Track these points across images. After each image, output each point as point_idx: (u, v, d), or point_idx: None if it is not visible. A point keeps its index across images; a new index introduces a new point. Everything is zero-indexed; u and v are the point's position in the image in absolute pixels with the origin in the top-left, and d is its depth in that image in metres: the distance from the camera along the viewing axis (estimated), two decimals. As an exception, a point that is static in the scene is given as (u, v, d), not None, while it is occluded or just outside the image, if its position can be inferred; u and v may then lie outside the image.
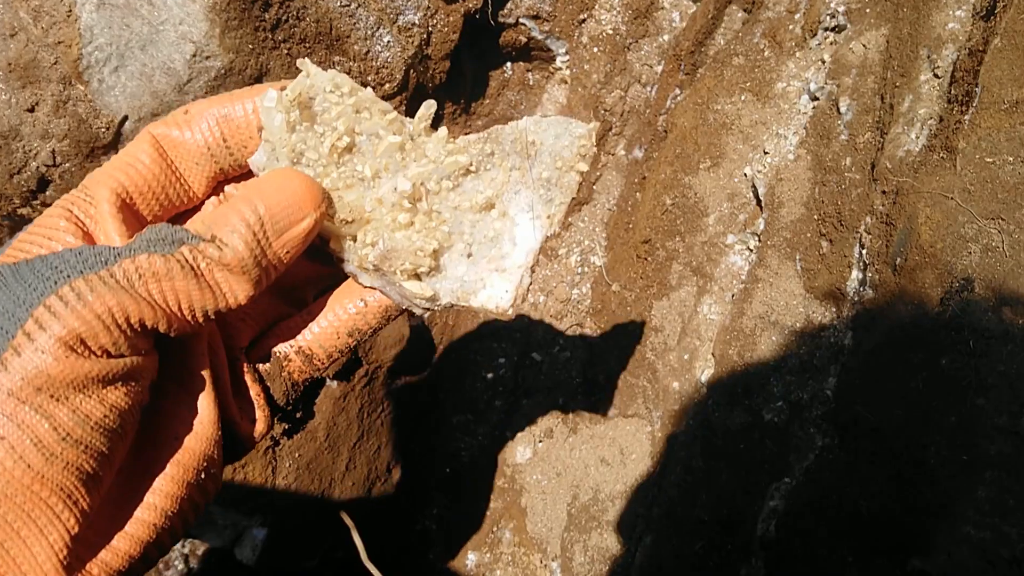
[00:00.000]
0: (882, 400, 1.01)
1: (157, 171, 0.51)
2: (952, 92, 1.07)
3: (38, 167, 1.17)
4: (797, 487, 1.11)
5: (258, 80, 1.26)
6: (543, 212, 0.56)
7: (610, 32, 1.57)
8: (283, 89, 0.51)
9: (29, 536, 0.40)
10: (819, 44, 1.36)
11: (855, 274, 1.15)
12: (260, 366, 0.57)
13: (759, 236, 1.33)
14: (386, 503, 1.58)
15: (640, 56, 1.59)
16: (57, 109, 1.16)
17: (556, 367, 1.67)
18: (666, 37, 1.57)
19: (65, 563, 0.42)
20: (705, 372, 1.31)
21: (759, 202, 1.35)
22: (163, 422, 0.48)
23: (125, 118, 1.18)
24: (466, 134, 0.56)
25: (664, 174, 1.47)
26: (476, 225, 0.56)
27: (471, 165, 0.55)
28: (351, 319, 0.58)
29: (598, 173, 1.70)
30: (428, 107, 0.53)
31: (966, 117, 1.02)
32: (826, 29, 1.34)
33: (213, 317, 0.47)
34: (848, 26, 1.31)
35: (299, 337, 0.58)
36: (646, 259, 1.49)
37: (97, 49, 1.15)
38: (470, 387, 1.76)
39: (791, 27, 1.38)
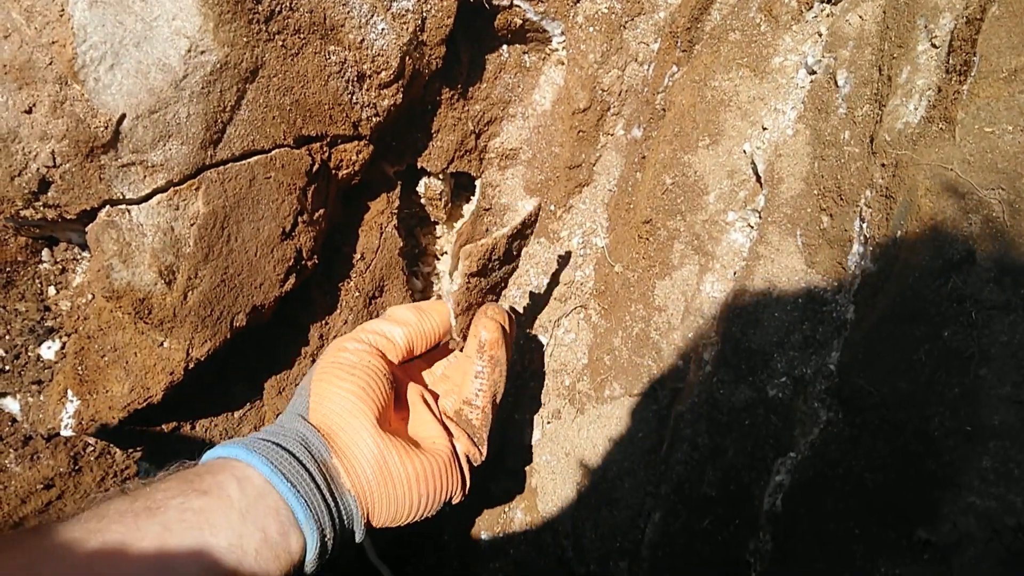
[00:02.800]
0: (885, 373, 1.02)
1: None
2: (950, 62, 1.07)
3: (38, 168, 1.18)
4: (803, 461, 1.12)
5: (254, 74, 1.26)
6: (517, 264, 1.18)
7: (605, 11, 1.56)
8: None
9: (359, 402, 0.95)
10: (815, 17, 1.35)
11: (856, 248, 1.15)
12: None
13: (759, 213, 1.33)
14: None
15: (636, 34, 1.58)
16: (55, 110, 1.16)
17: (561, 349, 1.68)
18: (662, 14, 1.56)
19: (377, 417, 0.95)
20: (709, 350, 1.32)
21: (759, 178, 1.35)
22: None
23: (123, 116, 1.18)
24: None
25: (663, 153, 1.47)
26: (498, 286, 1.19)
27: (485, 279, 1.19)
28: (472, 370, 1.14)
29: (598, 154, 1.70)
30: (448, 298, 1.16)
31: (964, 87, 1.01)
32: (822, 1, 1.33)
33: (406, 352, 1.12)
34: (844, -3, 1.30)
35: (458, 395, 1.16)
36: (647, 239, 1.50)
37: (91, 48, 1.15)
38: (477, 371, 1.77)
39: (787, 0, 1.36)
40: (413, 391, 1.08)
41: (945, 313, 0.95)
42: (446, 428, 1.07)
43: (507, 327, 1.16)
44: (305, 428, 0.92)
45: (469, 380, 1.11)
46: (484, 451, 1.11)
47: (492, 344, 1.10)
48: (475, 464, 1.10)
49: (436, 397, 1.15)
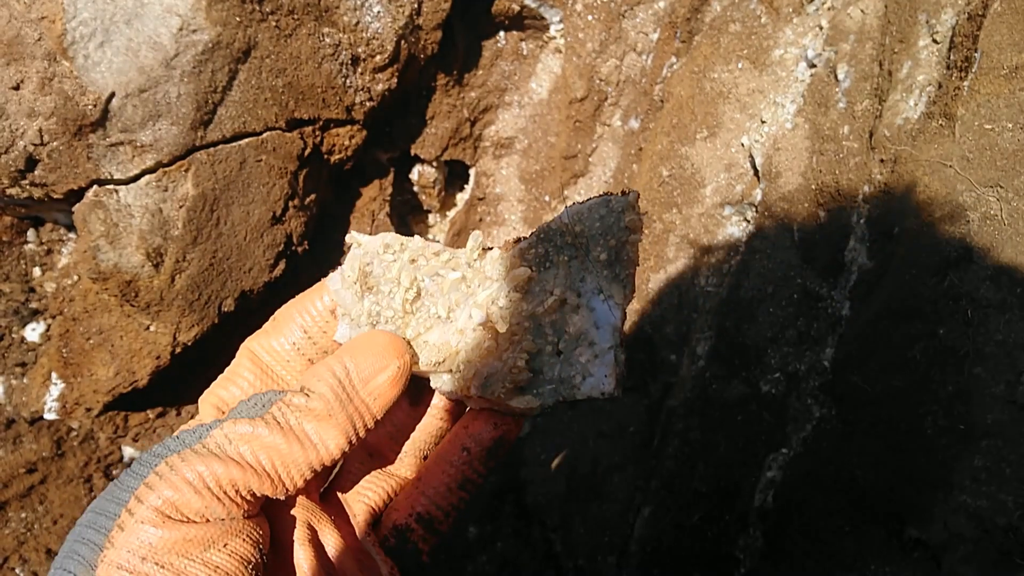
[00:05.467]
0: (879, 370, 1.01)
1: (253, 379, 0.55)
2: (951, 58, 1.06)
3: (25, 146, 1.16)
4: (794, 458, 1.11)
5: (246, 54, 1.24)
6: (612, 291, 0.56)
7: None
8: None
9: None
10: (816, 10, 1.34)
11: (853, 244, 1.14)
12: (388, 544, 0.59)
13: (756, 207, 1.32)
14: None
15: (635, 24, 1.56)
16: (43, 86, 1.14)
17: (553, 341, 1.67)
18: (662, 4, 1.54)
19: None
20: (702, 344, 1.31)
21: (756, 172, 1.33)
22: None
23: (112, 94, 1.16)
24: (514, 242, 0.56)
25: (661, 145, 1.46)
26: (555, 324, 0.56)
27: (532, 271, 0.56)
28: (458, 471, 0.59)
29: (594, 145, 1.68)
30: (476, 239, 0.56)
31: (965, 83, 1.00)
32: (824, -6, 1.32)
33: (312, 475, 0.48)
34: (846, -9, 1.29)
35: (415, 505, 0.59)
36: (643, 232, 1.48)
37: (81, 24, 1.13)
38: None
39: (788, -7, 1.35)
40: (302, 551, 0.52)
41: (941, 311, 0.95)
42: None
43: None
44: None
45: (438, 489, 0.59)
46: None
47: (504, 448, 0.60)
48: None
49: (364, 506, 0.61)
